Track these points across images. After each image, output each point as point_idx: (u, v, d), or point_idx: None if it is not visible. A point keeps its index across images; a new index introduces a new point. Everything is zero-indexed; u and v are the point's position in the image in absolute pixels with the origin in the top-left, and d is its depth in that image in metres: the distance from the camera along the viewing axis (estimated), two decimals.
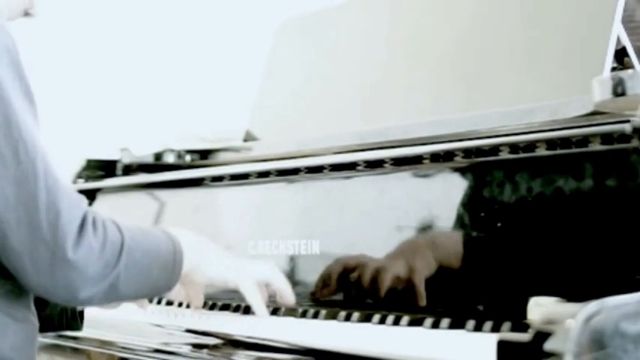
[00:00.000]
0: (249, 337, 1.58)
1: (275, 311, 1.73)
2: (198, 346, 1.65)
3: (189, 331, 1.72)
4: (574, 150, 1.45)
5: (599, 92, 1.41)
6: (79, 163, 2.39)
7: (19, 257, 1.40)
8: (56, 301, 1.52)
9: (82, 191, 2.35)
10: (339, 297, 1.72)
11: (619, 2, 1.68)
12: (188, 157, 2.34)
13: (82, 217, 1.41)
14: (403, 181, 1.69)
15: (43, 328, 1.61)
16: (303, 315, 1.69)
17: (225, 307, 1.85)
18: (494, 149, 1.55)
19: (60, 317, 1.75)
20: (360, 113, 2.02)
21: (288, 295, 1.66)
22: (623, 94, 1.39)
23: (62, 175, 1.45)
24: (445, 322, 1.47)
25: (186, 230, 1.61)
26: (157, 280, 1.52)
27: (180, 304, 1.93)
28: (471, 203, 1.57)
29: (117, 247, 1.45)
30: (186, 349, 1.65)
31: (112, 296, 1.46)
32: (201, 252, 1.62)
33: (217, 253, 1.65)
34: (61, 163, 2.10)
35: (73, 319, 1.77)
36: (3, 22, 1.43)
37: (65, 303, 1.53)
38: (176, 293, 1.68)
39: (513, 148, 1.53)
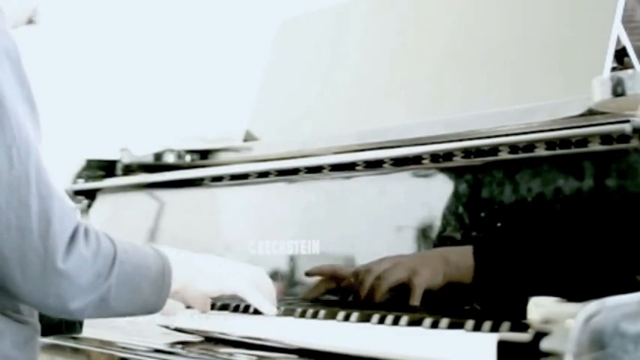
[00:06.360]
0: (248, 337, 1.58)
1: None
2: (197, 346, 1.65)
3: (188, 331, 1.71)
4: (574, 150, 1.45)
5: (599, 92, 1.41)
6: (79, 163, 2.39)
7: (7, 264, 1.38)
8: (47, 312, 1.48)
9: (82, 191, 2.36)
10: (338, 297, 1.72)
11: (619, 2, 1.68)
12: (188, 157, 2.34)
13: (74, 227, 1.40)
14: (403, 181, 1.69)
15: (43, 332, 1.59)
16: (302, 315, 1.69)
17: (224, 307, 1.85)
18: (494, 149, 1.55)
19: (59, 321, 1.74)
20: (360, 113, 2.02)
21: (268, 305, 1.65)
22: (623, 94, 1.39)
23: (56, 183, 1.42)
24: (444, 321, 1.47)
25: (175, 248, 1.58)
26: (147, 297, 1.50)
27: None
28: (470, 203, 1.57)
29: (109, 258, 1.43)
30: (185, 349, 1.65)
31: (102, 309, 1.44)
32: (191, 269, 1.58)
33: (208, 268, 1.61)
34: (61, 163, 2.10)
35: (72, 322, 1.76)
36: (5, 26, 1.43)
37: (56, 314, 1.49)
38: (171, 308, 1.63)
39: (513, 148, 1.53)
